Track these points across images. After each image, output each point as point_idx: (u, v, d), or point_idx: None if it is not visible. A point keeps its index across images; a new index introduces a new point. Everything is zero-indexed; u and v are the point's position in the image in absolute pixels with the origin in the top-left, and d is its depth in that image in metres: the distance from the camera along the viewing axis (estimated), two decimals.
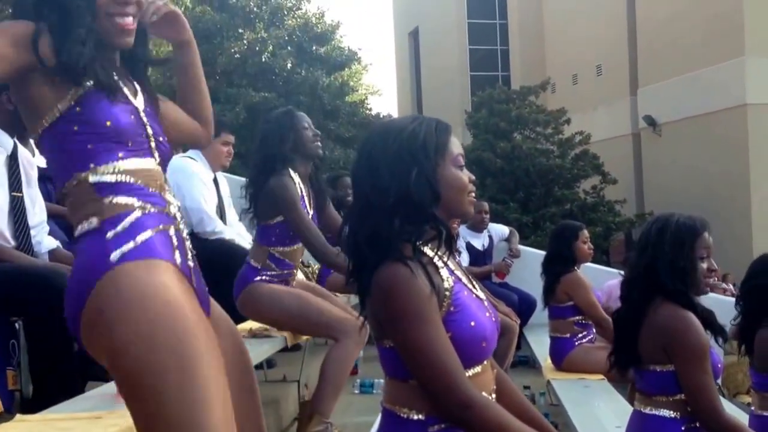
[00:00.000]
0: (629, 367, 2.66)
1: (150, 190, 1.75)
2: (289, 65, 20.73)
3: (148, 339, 1.56)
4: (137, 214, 1.70)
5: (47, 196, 3.59)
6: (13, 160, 3.18)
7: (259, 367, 4.11)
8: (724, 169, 20.35)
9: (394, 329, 1.74)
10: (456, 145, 1.86)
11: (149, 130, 1.82)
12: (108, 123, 1.72)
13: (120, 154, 1.73)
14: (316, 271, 6.12)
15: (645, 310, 2.57)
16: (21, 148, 3.26)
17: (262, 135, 3.71)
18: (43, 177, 3.51)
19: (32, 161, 3.33)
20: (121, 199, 1.70)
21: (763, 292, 3.31)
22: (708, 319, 2.57)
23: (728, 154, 20.29)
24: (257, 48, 20.44)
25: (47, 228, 3.39)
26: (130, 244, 1.65)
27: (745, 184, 20.02)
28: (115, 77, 1.80)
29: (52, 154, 1.77)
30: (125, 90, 1.82)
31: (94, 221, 1.69)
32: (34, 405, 2.81)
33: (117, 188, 1.71)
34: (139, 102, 1.84)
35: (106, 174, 1.71)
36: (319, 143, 3.82)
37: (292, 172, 3.67)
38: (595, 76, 26.12)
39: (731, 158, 20.21)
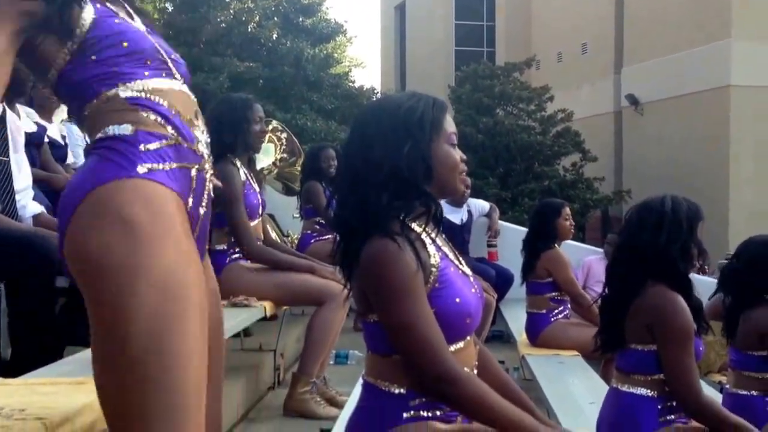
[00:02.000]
0: (616, 349, 2.65)
1: (182, 120, 1.61)
2: (274, 36, 20.53)
3: (139, 276, 1.43)
4: (171, 142, 1.57)
5: (32, 162, 3.59)
6: (0, 124, 3.17)
7: (236, 335, 4.16)
8: (704, 150, 20.48)
9: (379, 304, 1.76)
10: (450, 124, 1.88)
11: (161, 50, 1.68)
12: (125, 44, 1.59)
13: (146, 73, 1.60)
14: (296, 241, 6.15)
15: (636, 291, 2.56)
16: (9, 113, 3.24)
17: (216, 116, 3.77)
18: (29, 143, 3.50)
19: (20, 126, 3.32)
20: (161, 119, 1.57)
21: (752, 274, 3.34)
22: (697, 311, 2.56)
23: (709, 135, 20.41)
24: (243, 18, 20.23)
25: (32, 193, 3.39)
26: (160, 165, 1.53)
27: (725, 165, 20.17)
28: None
29: (72, 89, 1.60)
30: (121, 14, 1.68)
31: (128, 128, 1.54)
32: (11, 368, 2.82)
33: (155, 108, 1.58)
34: (138, 23, 1.71)
35: (138, 91, 1.58)
36: (264, 139, 4.01)
37: (234, 159, 3.77)
38: (580, 54, 26.10)
39: (712, 139, 20.33)
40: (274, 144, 6.85)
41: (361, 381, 1.93)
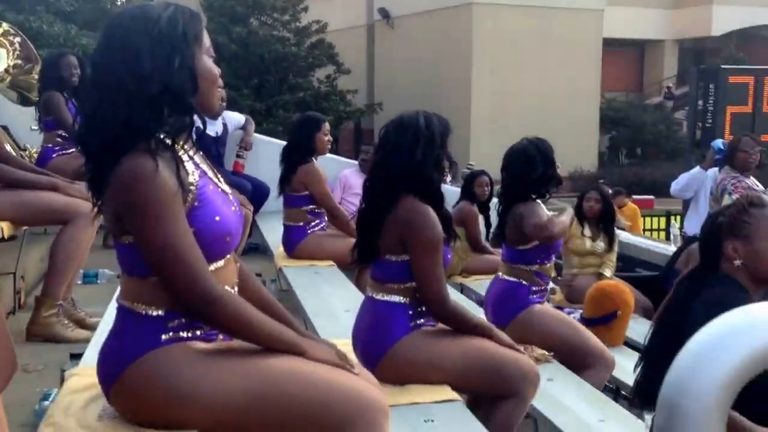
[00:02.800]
0: (372, 259, 2.74)
1: None
2: None
3: None
4: None
5: None
6: None
7: None
8: (448, 64, 21.47)
9: (135, 225, 1.69)
10: (207, 36, 1.84)
11: None
12: None
13: None
14: (35, 155, 5.75)
15: (391, 205, 2.65)
16: None
17: None
18: None
19: None
20: None
21: (518, 179, 3.71)
22: (447, 221, 2.71)
23: (453, 50, 21.40)
24: None
25: None
26: None
27: (467, 79, 21.30)
28: None
29: None
30: None
31: None
32: None
33: None
34: None
35: None
36: None
37: None
38: None
39: (456, 55, 21.34)
40: (5, 49, 6.29)
41: (115, 305, 1.86)
